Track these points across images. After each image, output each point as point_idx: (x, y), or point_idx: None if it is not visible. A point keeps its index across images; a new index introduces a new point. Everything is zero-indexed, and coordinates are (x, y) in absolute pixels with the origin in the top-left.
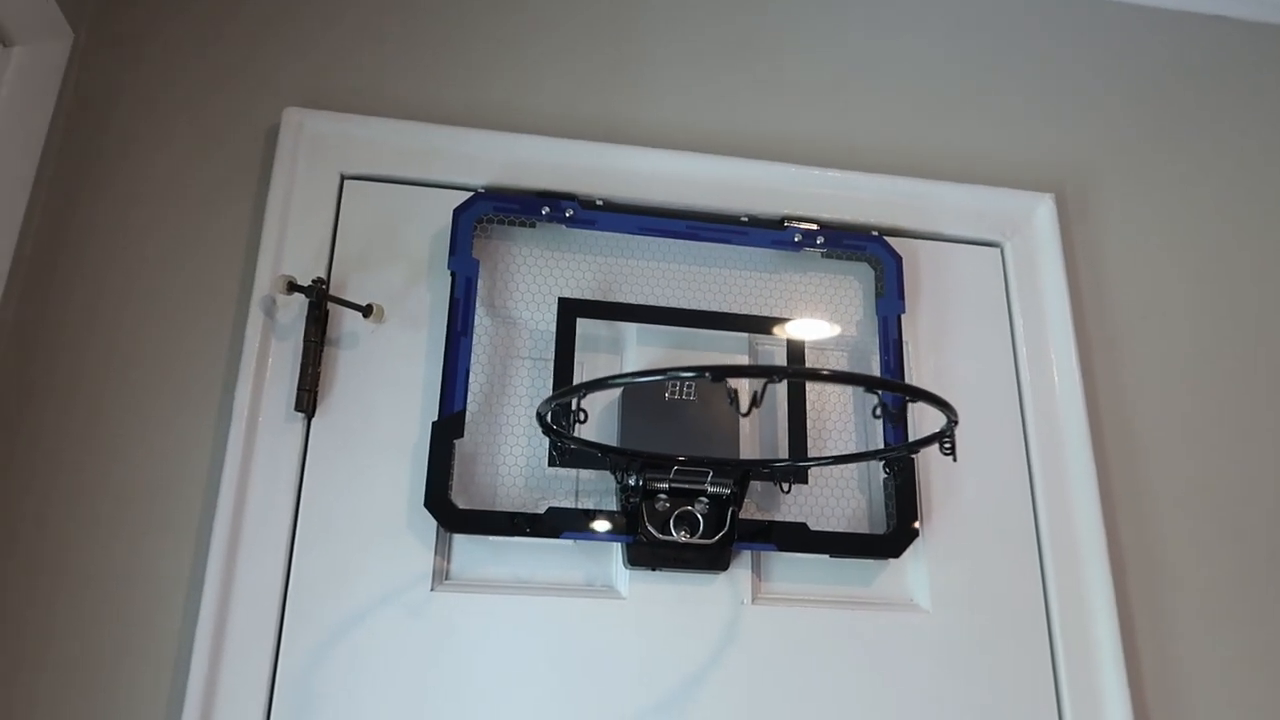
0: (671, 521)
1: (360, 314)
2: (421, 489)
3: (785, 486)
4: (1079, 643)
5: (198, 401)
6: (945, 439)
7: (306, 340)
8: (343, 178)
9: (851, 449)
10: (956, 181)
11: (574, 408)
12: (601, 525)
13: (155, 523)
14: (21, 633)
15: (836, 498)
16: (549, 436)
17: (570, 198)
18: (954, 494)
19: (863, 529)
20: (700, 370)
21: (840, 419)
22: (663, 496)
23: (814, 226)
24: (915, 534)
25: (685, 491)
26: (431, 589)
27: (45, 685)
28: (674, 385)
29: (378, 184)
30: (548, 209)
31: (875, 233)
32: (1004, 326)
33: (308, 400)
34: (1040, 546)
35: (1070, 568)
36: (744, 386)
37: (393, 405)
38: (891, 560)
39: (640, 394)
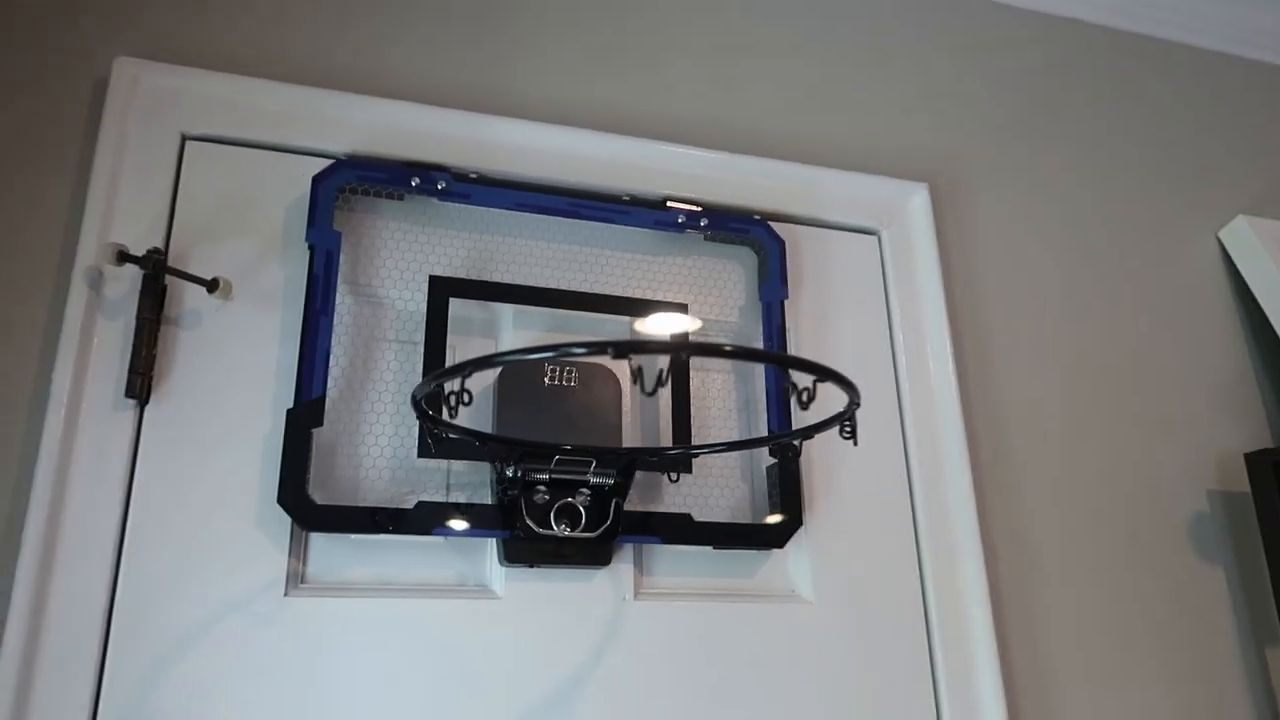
0: (552, 515)
1: (204, 289)
2: (273, 484)
3: (673, 476)
4: (955, 632)
5: (7, 389)
6: (846, 422)
7: (140, 318)
8: (184, 138)
9: (735, 437)
10: (836, 168)
11: (457, 389)
12: (475, 520)
13: None
14: None
15: (718, 487)
16: (424, 423)
17: (442, 169)
18: (834, 483)
19: (745, 519)
20: (602, 344)
21: (721, 406)
22: (542, 489)
23: (697, 208)
24: (799, 523)
25: (566, 483)
26: (285, 593)
27: None
28: (554, 370)
29: (225, 147)
30: (418, 180)
31: (758, 216)
32: (881, 314)
33: (140, 385)
34: (917, 535)
35: (946, 556)
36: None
37: (241, 391)
38: (774, 551)
39: (517, 379)
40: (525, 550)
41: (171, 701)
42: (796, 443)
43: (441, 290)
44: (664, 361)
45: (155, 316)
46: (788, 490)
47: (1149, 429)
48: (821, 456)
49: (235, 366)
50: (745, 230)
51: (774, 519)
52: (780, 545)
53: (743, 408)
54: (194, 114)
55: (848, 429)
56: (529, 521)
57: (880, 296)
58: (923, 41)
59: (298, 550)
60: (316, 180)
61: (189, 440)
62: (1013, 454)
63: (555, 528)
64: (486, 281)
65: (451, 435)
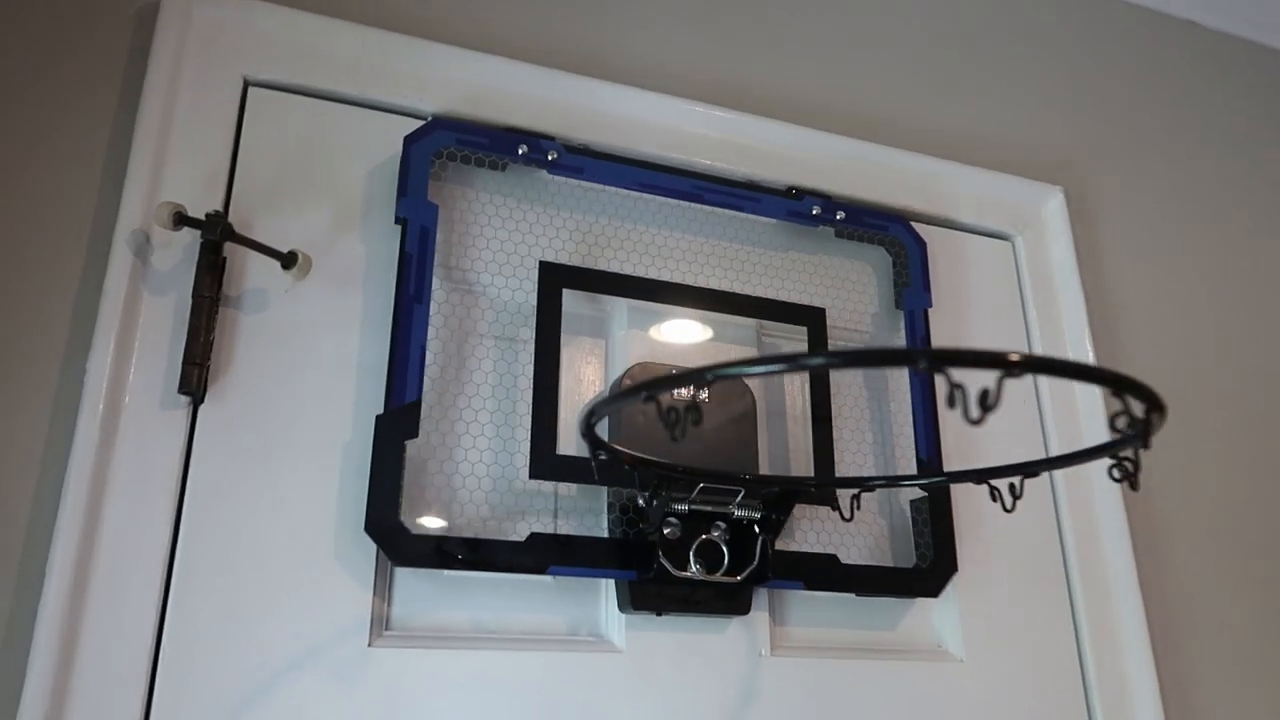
0: (692, 553)
1: (279, 264)
2: (354, 506)
3: (847, 513)
4: (1114, 690)
5: (30, 379)
6: (1127, 452)
7: (197, 295)
8: (247, 83)
9: (871, 460)
10: (970, 165)
11: (690, 403)
12: (595, 558)
13: None
14: None
15: (856, 525)
16: (593, 447)
17: (549, 138)
18: (979, 523)
19: (885, 561)
20: (911, 355)
21: (854, 426)
22: (674, 521)
23: (821, 198)
24: (954, 569)
25: (702, 516)
26: (369, 643)
27: None
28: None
29: (296, 97)
30: (525, 148)
31: (895, 213)
32: (1020, 329)
33: (197, 379)
34: (1069, 583)
35: (1101, 607)
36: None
37: (317, 390)
38: (919, 600)
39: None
40: (654, 596)
41: None
42: (1129, 462)
43: (554, 279)
44: (985, 379)
45: (214, 294)
46: (940, 530)
47: None
48: (961, 492)
49: (310, 360)
50: (884, 227)
51: (926, 564)
52: (935, 594)
53: (877, 426)
54: (259, 55)
55: (1130, 462)
56: (664, 562)
57: (1017, 309)
58: (1063, 38)
59: (382, 589)
60: (409, 141)
61: (253, 449)
62: (1164, 484)
63: (693, 569)
64: (606, 272)
65: (626, 464)
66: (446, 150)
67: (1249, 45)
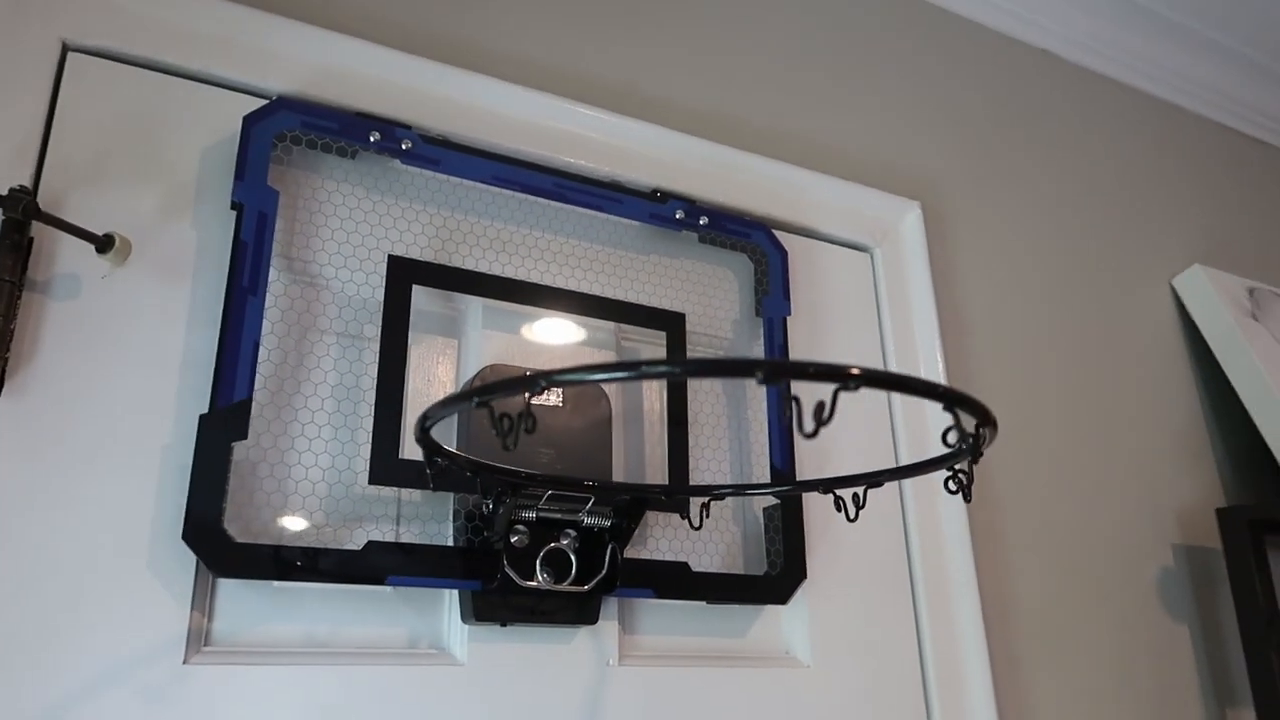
0: (538, 563)
1: (93, 248)
2: (173, 513)
3: (696, 521)
4: (953, 694)
5: None
6: (959, 464)
7: None
8: (66, 47)
9: (729, 469)
10: (833, 176)
11: (524, 410)
12: (438, 567)
13: None
14: None
15: (708, 532)
16: (430, 453)
17: (404, 126)
18: (830, 529)
19: (736, 569)
20: (749, 365)
21: (711, 434)
22: (521, 529)
23: (682, 201)
24: (803, 576)
25: (550, 523)
26: (185, 659)
27: None
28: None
29: (123, 66)
30: (378, 135)
31: (758, 220)
32: (875, 339)
33: None
34: (914, 589)
35: (942, 612)
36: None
37: (135, 386)
38: (769, 607)
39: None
40: (498, 606)
41: None
42: (963, 474)
43: (403, 274)
44: (818, 391)
45: (17, 279)
46: (791, 537)
47: (1114, 476)
48: (814, 501)
49: (128, 353)
50: (745, 234)
51: (776, 571)
52: (784, 601)
53: (734, 434)
54: (83, 19)
55: (963, 474)
56: (509, 572)
57: (873, 319)
58: (928, 60)
59: (201, 602)
60: (249, 121)
61: (60, 447)
62: (999, 497)
63: (539, 578)
64: (460, 269)
65: (466, 471)
66: (290, 133)
67: (1100, 78)
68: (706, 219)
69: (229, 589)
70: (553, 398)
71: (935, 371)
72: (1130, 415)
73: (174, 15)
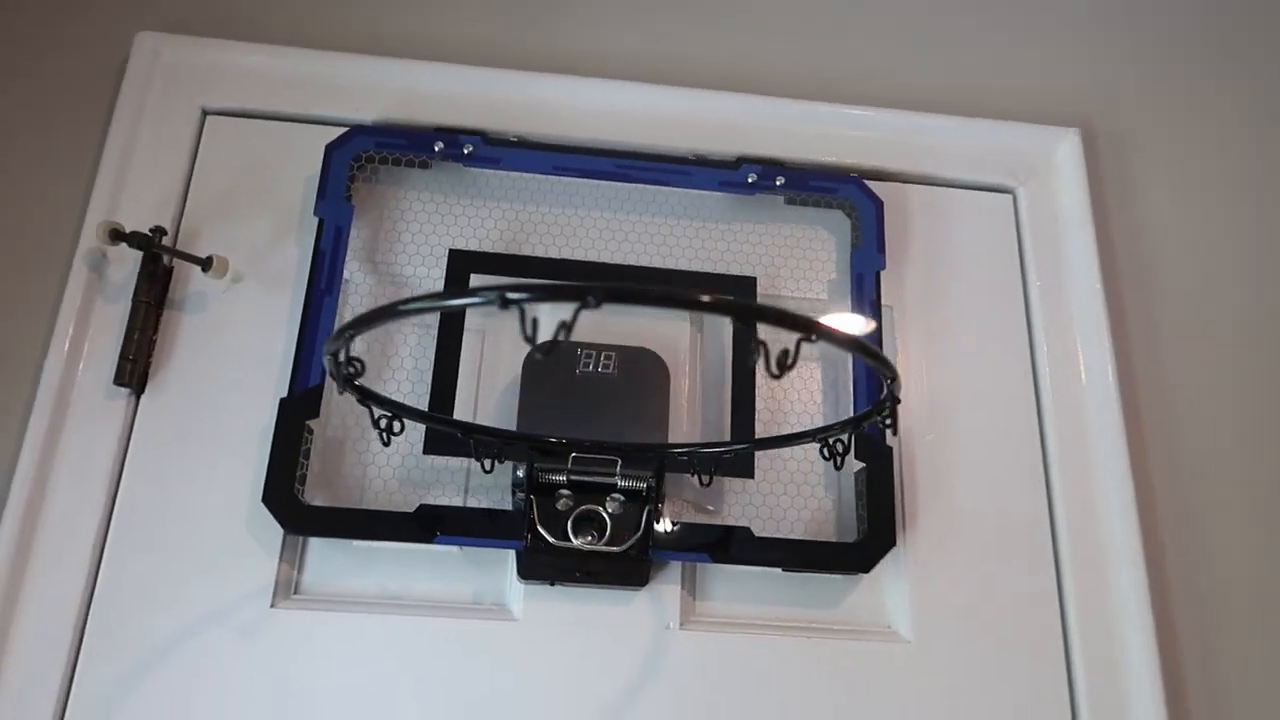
0: (570, 524)
1: (199, 269)
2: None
3: (704, 479)
4: (1108, 683)
5: (8, 376)
6: (884, 409)
7: (135, 300)
8: (204, 113)
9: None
10: (954, 114)
11: (341, 358)
12: (485, 528)
13: None
14: None
15: (795, 497)
16: (349, 391)
17: (476, 133)
18: (945, 495)
19: (829, 536)
20: (493, 291)
21: (804, 398)
22: (565, 493)
23: (768, 166)
24: (891, 544)
25: (592, 487)
26: (272, 605)
27: None
28: (589, 355)
29: (247, 120)
30: (442, 145)
31: (854, 175)
32: (1016, 290)
33: (132, 372)
34: (1058, 562)
35: (1097, 589)
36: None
37: (242, 381)
38: (864, 577)
39: (546, 365)
40: (543, 565)
41: (145, 714)
42: (887, 430)
43: (461, 265)
44: (788, 340)
45: (154, 299)
46: (877, 502)
47: None
48: (929, 461)
49: (238, 354)
50: (833, 189)
51: (859, 538)
52: (865, 570)
53: (830, 398)
54: (215, 87)
55: (887, 418)
56: (542, 531)
57: (1015, 270)
58: None
59: (291, 557)
60: (330, 149)
61: (184, 433)
62: (1184, 466)
63: (574, 539)
64: (512, 255)
65: (403, 418)
66: (366, 154)
67: None
68: (784, 179)
69: (317, 547)
70: (605, 365)
71: (1096, 325)
72: None
73: (279, 68)
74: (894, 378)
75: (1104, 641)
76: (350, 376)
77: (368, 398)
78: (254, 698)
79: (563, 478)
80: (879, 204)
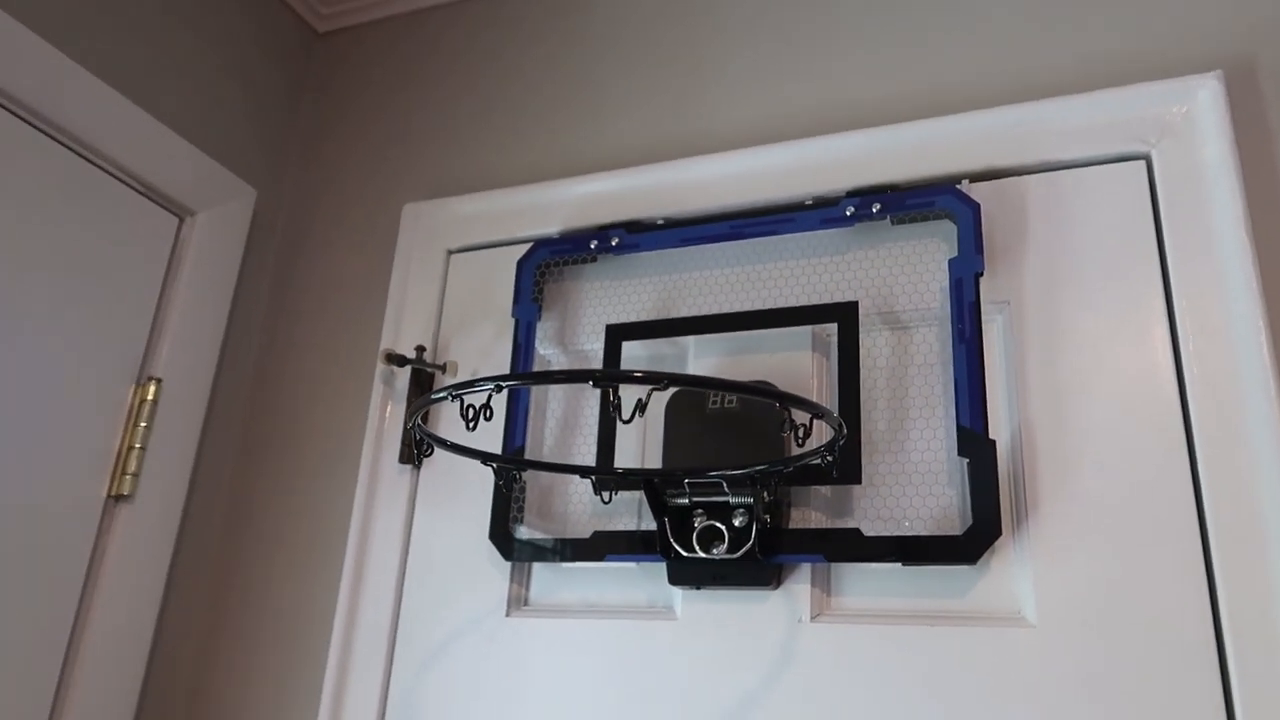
0: (694, 537)
1: (439, 372)
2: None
3: (766, 495)
4: (1267, 667)
5: (346, 457)
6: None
7: (409, 400)
8: (448, 253)
9: (923, 435)
10: (1070, 94)
11: (478, 405)
12: (635, 546)
13: (311, 567)
14: (220, 637)
15: (916, 495)
16: (423, 441)
17: (622, 226)
18: (1072, 480)
19: (953, 530)
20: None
21: (922, 400)
22: (700, 512)
23: (872, 194)
24: (997, 534)
25: (720, 505)
26: (506, 614)
27: (229, 682)
28: (715, 396)
29: (475, 252)
30: (596, 242)
31: (965, 180)
32: (1152, 260)
33: (408, 455)
34: (1206, 544)
35: (1251, 566)
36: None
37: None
38: (990, 566)
39: (684, 406)
40: (685, 573)
41: (431, 697)
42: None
43: (615, 336)
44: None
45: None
46: (981, 493)
47: None
48: (1053, 449)
49: (480, 432)
50: (929, 202)
51: (964, 530)
52: (971, 561)
53: (944, 402)
54: (454, 231)
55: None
56: (674, 544)
57: (1149, 238)
58: None
59: (520, 578)
60: (520, 263)
61: (448, 494)
62: None
63: (698, 550)
64: (652, 321)
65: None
66: (544, 262)
67: None
68: (879, 205)
69: (538, 569)
70: (730, 401)
71: (1249, 294)
72: None
73: (494, 207)
74: (844, 435)
75: (1258, 623)
76: (418, 449)
77: (431, 446)
78: (496, 683)
79: (685, 500)
80: (975, 207)
